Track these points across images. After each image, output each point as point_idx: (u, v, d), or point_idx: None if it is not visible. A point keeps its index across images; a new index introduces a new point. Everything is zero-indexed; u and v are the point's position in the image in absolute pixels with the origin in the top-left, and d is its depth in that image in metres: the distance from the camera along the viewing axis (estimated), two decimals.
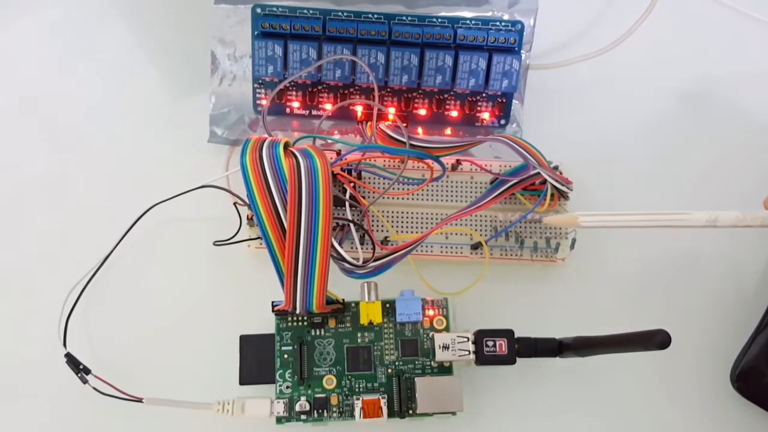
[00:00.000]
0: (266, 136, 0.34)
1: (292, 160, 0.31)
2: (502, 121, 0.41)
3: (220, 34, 0.40)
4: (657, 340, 0.29)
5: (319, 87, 0.40)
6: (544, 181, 0.37)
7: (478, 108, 0.41)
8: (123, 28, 0.45)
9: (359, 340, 0.36)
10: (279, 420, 0.34)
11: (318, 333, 0.36)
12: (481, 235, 0.38)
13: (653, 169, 0.42)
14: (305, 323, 0.36)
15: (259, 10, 0.38)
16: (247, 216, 0.38)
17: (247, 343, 0.35)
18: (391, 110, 0.40)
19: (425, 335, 0.36)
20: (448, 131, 0.42)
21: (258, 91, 0.40)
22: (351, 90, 0.40)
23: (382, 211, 0.39)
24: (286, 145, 0.32)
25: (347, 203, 0.37)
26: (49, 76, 0.44)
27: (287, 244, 0.31)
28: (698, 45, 0.45)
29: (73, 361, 0.35)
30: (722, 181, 0.42)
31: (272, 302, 0.35)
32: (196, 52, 0.42)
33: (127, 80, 0.43)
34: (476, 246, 0.38)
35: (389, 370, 0.35)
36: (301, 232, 0.31)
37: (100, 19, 0.45)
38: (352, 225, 0.37)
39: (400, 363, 0.35)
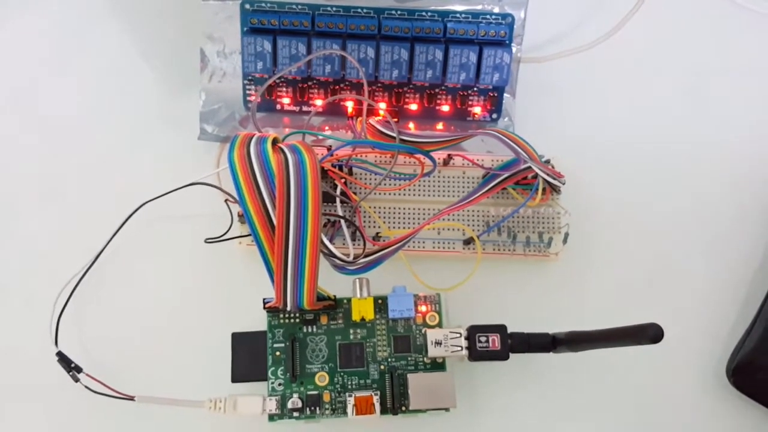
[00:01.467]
0: (255, 132, 0.34)
1: (280, 156, 0.31)
2: (494, 116, 0.41)
3: (209, 30, 0.40)
4: (650, 333, 0.29)
5: (309, 83, 0.40)
6: (536, 175, 0.37)
7: (470, 102, 0.41)
8: (112, 27, 0.45)
9: (351, 337, 0.36)
10: (271, 417, 0.34)
11: (310, 330, 0.36)
12: (473, 230, 0.38)
13: (645, 163, 0.42)
14: (297, 320, 0.36)
15: (247, 6, 0.38)
16: (238, 213, 0.38)
17: (239, 340, 0.35)
18: (382, 105, 0.40)
19: (418, 331, 0.36)
20: (439, 126, 0.41)
21: (248, 87, 0.40)
22: (341, 85, 0.40)
23: (374, 207, 0.39)
24: (275, 141, 0.32)
25: (338, 199, 0.37)
26: (39, 75, 0.44)
27: (276, 240, 0.31)
28: (691, 37, 0.45)
29: (64, 360, 0.35)
30: (714, 175, 0.42)
31: (263, 299, 0.35)
32: (185, 50, 0.42)
33: (117, 78, 0.44)
34: (468, 241, 0.38)
35: (382, 367, 0.35)
36: (290, 228, 0.31)
37: (90, 18, 0.45)
38: (343, 221, 0.37)
39: (393, 359, 0.35)
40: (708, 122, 0.43)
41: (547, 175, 0.36)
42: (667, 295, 0.39)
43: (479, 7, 0.39)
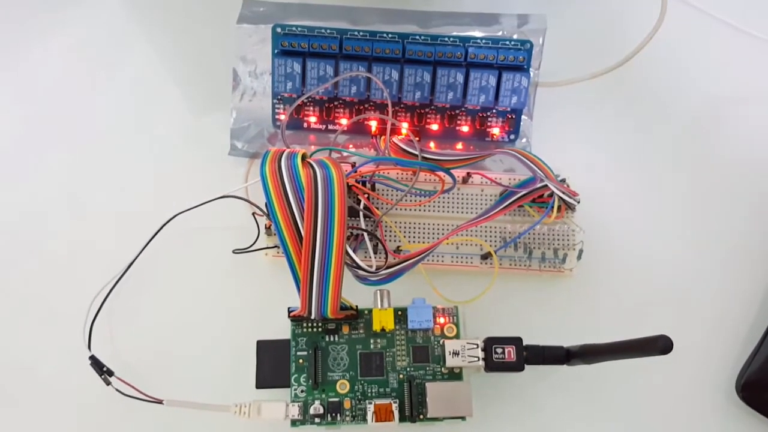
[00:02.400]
0: (285, 148, 0.36)
1: (309, 170, 0.32)
2: (512, 136, 0.42)
3: (241, 52, 0.42)
4: (659, 345, 0.30)
5: (336, 102, 0.41)
6: (552, 193, 0.38)
7: (489, 123, 0.42)
8: (147, 48, 0.46)
9: (372, 347, 0.36)
10: (294, 423, 0.35)
11: (332, 339, 0.36)
12: (490, 245, 0.39)
13: (659, 184, 0.43)
14: (320, 329, 0.37)
15: (279, 30, 0.39)
16: (265, 225, 0.39)
17: (264, 348, 0.36)
18: (404, 125, 0.41)
19: (436, 342, 0.36)
20: (459, 146, 0.43)
21: (277, 106, 0.42)
22: (366, 105, 0.41)
23: (395, 222, 0.40)
24: (304, 157, 0.34)
25: (361, 213, 0.38)
26: (70, 92, 0.45)
27: (303, 250, 0.32)
28: (705, 65, 0.46)
29: (97, 363, 0.36)
30: (726, 196, 0.43)
31: (288, 308, 0.36)
32: (217, 70, 0.44)
33: (151, 96, 0.45)
34: (486, 256, 0.40)
35: (401, 376, 0.36)
36: (317, 238, 0.32)
37: (122, 36, 0.47)
38: (366, 234, 0.38)
39: (412, 369, 0.36)
40: (722, 145, 0.44)
41: (563, 193, 0.37)
42: (678, 311, 0.40)
43: (499, 34, 0.40)
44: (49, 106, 0.45)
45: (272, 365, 0.36)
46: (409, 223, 0.40)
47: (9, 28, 0.47)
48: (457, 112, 0.42)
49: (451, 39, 0.40)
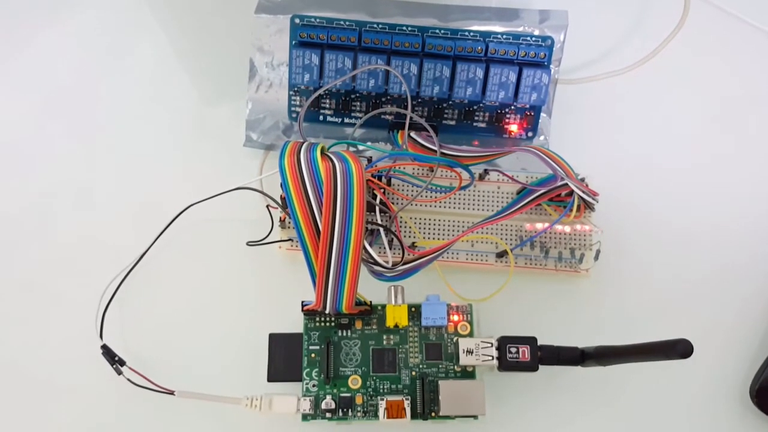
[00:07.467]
0: (302, 140, 0.35)
1: (328, 164, 0.32)
2: (530, 134, 0.42)
3: (259, 42, 0.42)
4: (679, 349, 0.29)
5: (353, 95, 0.41)
6: (571, 193, 0.38)
7: (507, 120, 0.41)
8: (161, 36, 0.46)
9: (385, 343, 0.36)
10: (305, 417, 0.35)
11: (345, 334, 0.36)
12: (506, 243, 0.39)
13: (677, 184, 0.43)
14: (333, 324, 0.36)
15: (297, 21, 0.39)
16: (280, 218, 0.39)
17: (276, 341, 0.36)
18: (423, 120, 0.41)
19: (449, 340, 0.36)
20: (475, 142, 0.42)
21: (293, 98, 0.41)
22: (383, 99, 0.41)
23: (411, 218, 0.40)
24: (323, 150, 0.33)
25: (377, 208, 0.38)
26: (82, 81, 0.45)
27: (321, 244, 0.32)
28: (726, 65, 0.46)
29: (108, 353, 0.36)
30: (745, 198, 0.43)
31: (302, 302, 0.35)
32: (234, 60, 0.44)
33: (165, 86, 0.45)
34: (501, 254, 0.39)
35: (413, 373, 0.36)
36: (335, 233, 0.32)
37: (140, 25, 0.46)
38: (381, 229, 0.38)
39: (424, 366, 0.36)
40: (741, 148, 0.44)
41: (583, 192, 0.37)
42: (694, 315, 0.40)
43: (520, 29, 0.40)
44: (59, 95, 0.45)
45: (284, 359, 0.36)
46: (425, 219, 0.40)
47: (19, 15, 0.47)
48: (475, 107, 0.41)
49: (472, 33, 0.39)
